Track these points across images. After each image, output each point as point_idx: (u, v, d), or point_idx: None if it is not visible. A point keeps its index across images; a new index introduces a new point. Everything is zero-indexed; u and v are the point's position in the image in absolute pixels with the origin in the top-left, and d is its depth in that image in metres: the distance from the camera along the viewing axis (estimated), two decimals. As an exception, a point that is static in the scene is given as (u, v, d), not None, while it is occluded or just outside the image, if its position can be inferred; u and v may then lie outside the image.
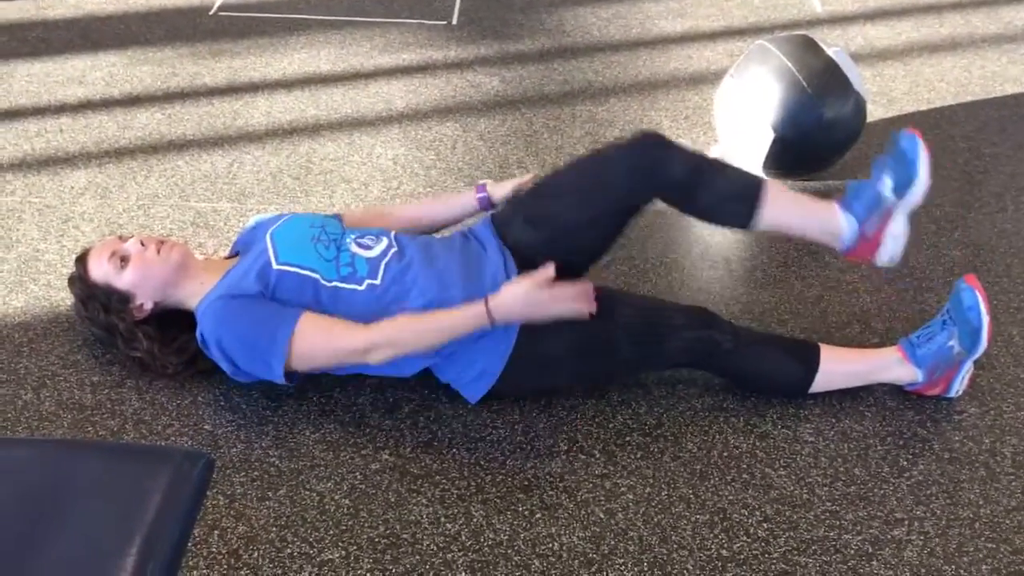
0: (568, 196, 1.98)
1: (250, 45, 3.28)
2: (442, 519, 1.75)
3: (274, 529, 1.72)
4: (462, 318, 1.82)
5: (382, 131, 2.85)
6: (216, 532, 1.71)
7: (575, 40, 3.37)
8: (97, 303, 1.96)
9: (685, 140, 2.80)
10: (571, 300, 1.82)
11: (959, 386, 1.99)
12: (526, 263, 1.92)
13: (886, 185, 1.89)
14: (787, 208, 1.95)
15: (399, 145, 2.77)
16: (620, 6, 3.61)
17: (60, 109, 2.91)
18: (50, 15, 3.42)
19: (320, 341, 1.83)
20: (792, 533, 1.73)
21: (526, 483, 1.82)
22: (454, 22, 3.47)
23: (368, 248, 1.94)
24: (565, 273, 1.87)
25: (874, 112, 2.88)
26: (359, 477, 1.83)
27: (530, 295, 1.80)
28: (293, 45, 3.29)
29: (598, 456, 1.88)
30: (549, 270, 1.81)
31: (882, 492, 1.82)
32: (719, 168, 1.95)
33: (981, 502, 1.80)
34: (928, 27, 3.50)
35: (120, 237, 2.00)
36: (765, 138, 2.53)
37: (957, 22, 3.54)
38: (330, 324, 1.84)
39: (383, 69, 3.17)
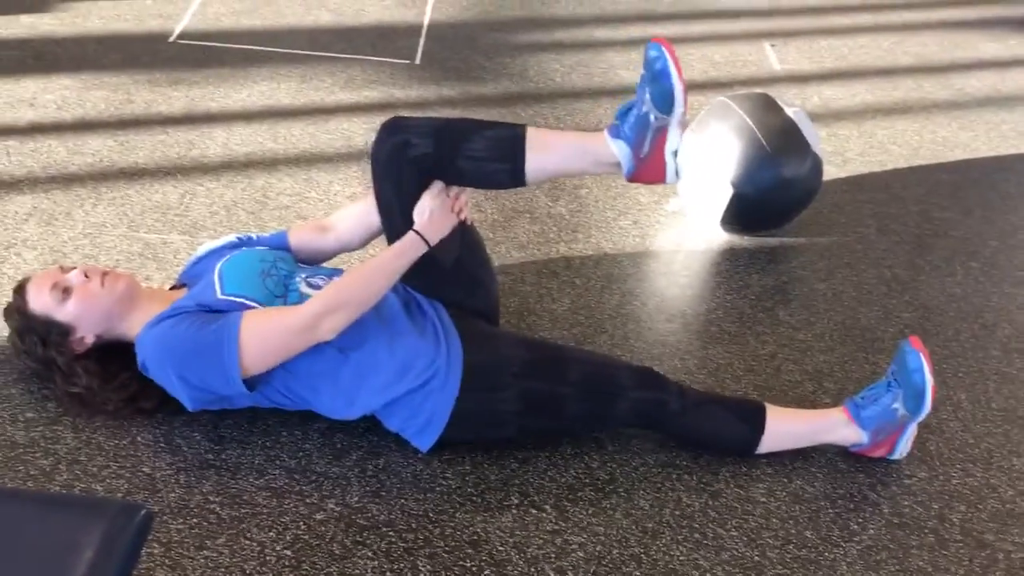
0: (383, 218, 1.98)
1: (209, 75, 3.23)
2: (387, 573, 1.70)
3: (211, 580, 1.66)
4: (397, 249, 1.87)
5: (341, 168, 2.82)
6: (150, 582, 1.64)
7: (538, 86, 3.38)
8: (35, 336, 1.88)
9: (642, 190, 2.83)
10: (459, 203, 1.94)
11: (903, 448, 2.00)
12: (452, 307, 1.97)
13: (648, 103, 1.80)
14: (553, 152, 1.88)
15: (357, 183, 2.73)
16: (583, 55, 3.64)
17: (8, 131, 2.83)
18: (2, 34, 3.34)
19: (269, 327, 1.78)
20: (743, 597, 1.71)
21: (475, 537, 1.78)
22: (417, 61, 3.46)
23: (317, 288, 1.91)
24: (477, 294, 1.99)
25: (829, 172, 2.91)
26: (303, 527, 1.77)
27: (436, 202, 1.89)
28: (253, 77, 3.25)
29: (549, 511, 1.85)
30: (438, 183, 1.91)
31: (832, 557, 1.81)
32: (467, 131, 1.88)
33: (930, 569, 1.80)
34: (882, 90, 3.58)
35: (62, 268, 1.94)
36: (724, 194, 2.55)
37: (910, 86, 3.63)
38: (273, 310, 1.82)
39: (344, 105, 3.14)
